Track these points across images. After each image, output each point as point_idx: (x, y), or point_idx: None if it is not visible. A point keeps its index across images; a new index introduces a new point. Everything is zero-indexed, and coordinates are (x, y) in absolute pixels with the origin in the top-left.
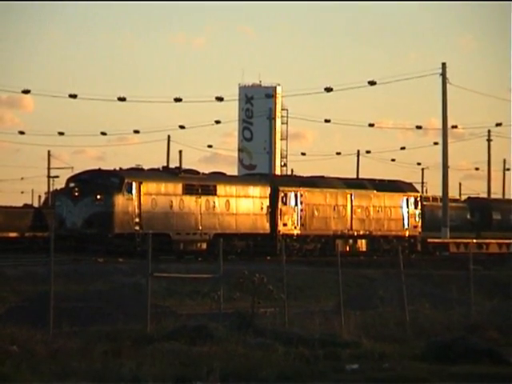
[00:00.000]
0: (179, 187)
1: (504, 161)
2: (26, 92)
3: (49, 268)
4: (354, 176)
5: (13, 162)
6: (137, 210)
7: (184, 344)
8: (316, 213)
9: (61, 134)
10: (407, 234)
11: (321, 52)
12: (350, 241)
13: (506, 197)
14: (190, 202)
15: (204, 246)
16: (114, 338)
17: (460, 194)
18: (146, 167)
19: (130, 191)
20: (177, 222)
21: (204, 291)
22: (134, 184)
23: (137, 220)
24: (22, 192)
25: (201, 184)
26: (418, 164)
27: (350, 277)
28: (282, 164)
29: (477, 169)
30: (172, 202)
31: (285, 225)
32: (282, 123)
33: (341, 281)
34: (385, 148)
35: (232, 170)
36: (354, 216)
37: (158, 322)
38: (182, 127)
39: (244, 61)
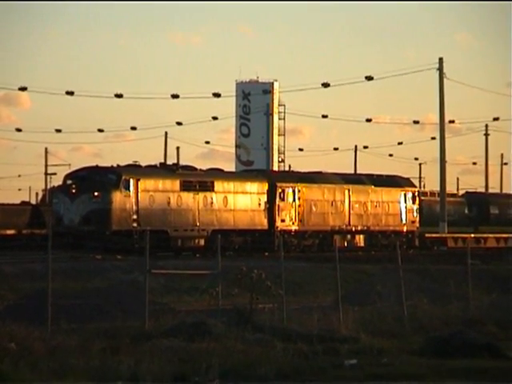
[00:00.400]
0: (177, 184)
1: (501, 155)
2: (23, 89)
3: (46, 265)
4: (352, 171)
5: (10, 160)
6: (134, 207)
7: (182, 341)
8: (314, 208)
9: (58, 131)
10: (405, 229)
11: (318, 48)
12: (348, 236)
13: (504, 191)
14: (188, 198)
15: (202, 242)
16: (113, 335)
17: (458, 189)
18: (143, 164)
19: (127, 188)
20: (174, 218)
21: (202, 287)
22: (131, 181)
23: (134, 217)
24: (20, 189)
25: (198, 180)
26: (416, 159)
27: (348, 272)
28: (280, 160)
29: (474, 163)
30: (170, 198)
31: (283, 221)
32: (280, 119)
33: (339, 276)
34: (382, 143)
35: (229, 166)
36: (351, 211)
37: (156, 319)
38: (179, 124)
39: (241, 57)
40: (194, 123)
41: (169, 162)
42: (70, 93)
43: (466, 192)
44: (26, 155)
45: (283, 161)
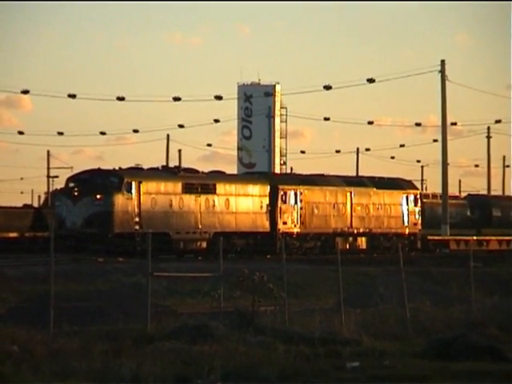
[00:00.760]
0: (179, 186)
1: (504, 157)
2: (25, 92)
3: (49, 268)
4: (354, 174)
5: (12, 163)
6: (136, 210)
7: (184, 343)
8: (316, 211)
9: (60, 133)
10: (407, 232)
11: (319, 50)
12: (350, 239)
13: (506, 193)
14: (190, 200)
15: (204, 244)
16: (115, 338)
17: (460, 191)
18: (145, 166)
19: (129, 191)
20: (176, 221)
21: (204, 290)
22: (133, 183)
23: (136, 219)
24: (22, 192)
25: (200, 183)
26: (418, 161)
27: (350, 275)
28: (282, 162)
29: (476, 166)
30: (172, 201)
31: (284, 223)
32: (281, 121)
33: (341, 279)
34: (384, 145)
35: (231, 169)
36: (353, 214)
37: (158, 322)
38: (181, 126)
39: (243, 59)
40: (196, 126)
41: (171, 165)
42: (72, 96)
43: (468, 194)
44: (28, 158)
45: (285, 163)
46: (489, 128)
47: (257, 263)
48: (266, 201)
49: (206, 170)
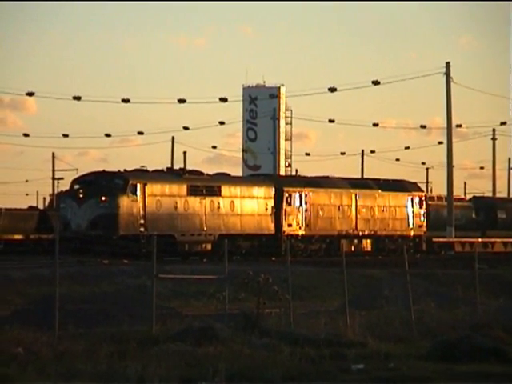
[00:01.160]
0: (184, 188)
1: (509, 160)
2: (30, 94)
3: (54, 270)
4: (359, 176)
5: (17, 165)
6: (141, 212)
7: (189, 345)
8: (321, 213)
9: (65, 135)
10: (412, 234)
11: (324, 52)
12: (355, 241)
13: (511, 196)
14: (195, 202)
15: (209, 246)
16: (120, 340)
17: (465, 193)
18: (150, 168)
19: (134, 193)
20: (181, 223)
21: (209, 292)
22: (138, 185)
23: (141, 221)
24: (27, 194)
25: (205, 185)
26: (423, 163)
27: (355, 277)
28: (287, 164)
29: (481, 168)
30: (177, 203)
31: (289, 225)
32: (286, 123)
33: (346, 281)
34: (389, 148)
35: (236, 171)
36: (358, 216)
37: (163, 324)
38: (186, 128)
39: (247, 61)
40: (201, 128)
41: (176, 167)
42: (77, 98)
43: (474, 196)
44: (33, 160)
45: (290, 165)
46: (494, 130)
47: (262, 265)
48: (271, 203)
49: (210, 172)
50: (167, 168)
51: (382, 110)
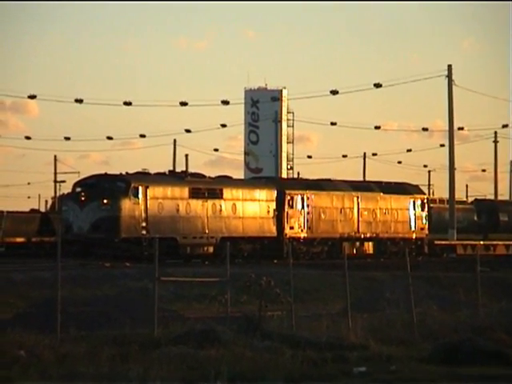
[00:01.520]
0: (185, 191)
1: (511, 162)
2: (32, 97)
3: (56, 273)
4: (361, 178)
5: (19, 167)
6: (143, 214)
7: (191, 348)
8: (323, 216)
9: (67, 138)
10: (414, 236)
11: (326, 55)
12: (357, 243)
13: None
14: (197, 205)
15: (211, 249)
16: (122, 343)
17: (467, 196)
18: (152, 171)
19: (136, 195)
20: (183, 225)
21: (211, 295)
22: (140, 188)
23: (143, 224)
24: (29, 197)
25: (207, 188)
26: (425, 166)
27: (357, 279)
28: (289, 167)
29: (483, 170)
30: (178, 205)
31: (291, 228)
32: (288, 126)
33: (348, 283)
34: (391, 150)
35: (238, 174)
36: (360, 219)
37: (165, 326)
38: (187, 131)
39: (249, 64)
40: (203, 131)
41: (178, 170)
42: (79, 100)
43: (475, 199)
44: (35, 163)
45: (292, 168)
46: (496, 133)
47: (264, 268)
48: (273, 206)
49: (212, 175)
50: (169, 171)
51: (383, 113)
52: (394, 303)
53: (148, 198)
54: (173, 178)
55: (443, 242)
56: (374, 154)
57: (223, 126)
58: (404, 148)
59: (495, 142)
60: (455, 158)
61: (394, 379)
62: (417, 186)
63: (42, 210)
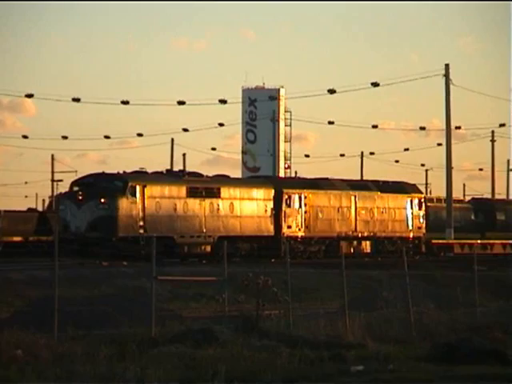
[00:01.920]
0: (183, 190)
1: (508, 161)
2: (30, 96)
3: (53, 272)
4: (358, 178)
5: (16, 167)
6: (141, 213)
7: (189, 347)
8: (320, 215)
9: (64, 137)
10: (411, 235)
11: (324, 54)
12: (355, 242)
13: (510, 197)
14: (194, 204)
15: (208, 248)
16: (119, 342)
17: (464, 195)
18: (149, 170)
19: (133, 194)
20: (181, 224)
21: (209, 294)
22: (137, 187)
23: (141, 223)
24: (26, 196)
25: (205, 187)
26: (422, 165)
27: (355, 278)
28: (286, 166)
29: (481, 169)
30: (176, 204)
31: (289, 227)
32: (286, 125)
33: (345, 282)
34: (388, 149)
35: (236, 173)
36: (358, 217)
37: (162, 326)
38: (185, 130)
39: (247, 63)
40: (200, 130)
41: (175, 169)
42: (76, 99)
43: (473, 198)
44: (33, 162)
45: (289, 167)
46: (493, 132)
47: (261, 267)
48: (271, 205)
49: (210, 174)
50: (166, 170)
51: (381, 112)
52: (391, 302)
53: (145, 197)
54: (170, 177)
55: (440, 241)
56: (372, 153)
57: (221, 124)
58: (401, 147)
59: (492, 141)
60: (452, 157)
61: (391, 378)
62: (414, 185)
63: (40, 209)
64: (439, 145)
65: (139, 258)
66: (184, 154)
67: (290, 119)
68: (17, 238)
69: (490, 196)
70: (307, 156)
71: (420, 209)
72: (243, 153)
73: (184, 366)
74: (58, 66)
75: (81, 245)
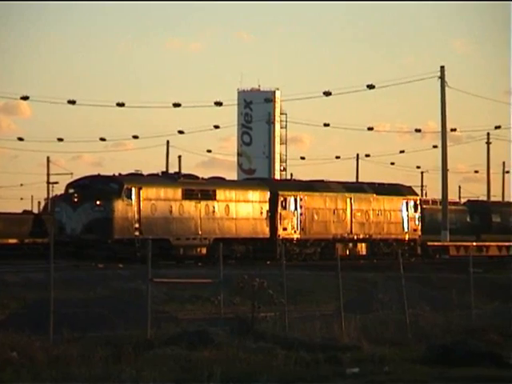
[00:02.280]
0: (178, 192)
1: (503, 163)
2: (25, 98)
3: (48, 274)
4: (354, 180)
5: (12, 169)
6: (136, 216)
7: (184, 349)
8: (316, 217)
9: (60, 140)
10: (407, 238)
11: (319, 56)
12: (350, 244)
13: (506, 199)
14: (190, 206)
15: (204, 250)
16: (115, 344)
17: (459, 197)
18: (145, 173)
19: (129, 197)
20: (176, 227)
21: (204, 296)
22: (133, 189)
23: (136, 225)
24: (22, 198)
25: (200, 189)
26: (418, 167)
27: (350, 280)
28: (282, 168)
29: (476, 172)
30: (171, 207)
31: (284, 229)
32: (281, 127)
33: (341, 285)
34: (384, 151)
35: (231, 175)
36: (353, 220)
37: (158, 328)
38: (181, 132)
39: (243, 65)
40: (196, 132)
41: (171, 171)
42: (72, 102)
43: (468, 200)
44: (28, 164)
45: (285, 169)
46: (488, 134)
47: (257, 269)
48: (266, 207)
49: (205, 176)
50: (162, 172)
51: (376, 114)
52: (386, 304)
53: (141, 199)
54: (166, 179)
55: (436, 243)
56: (367, 155)
57: (216, 127)
58: (397, 149)
59: (488, 143)
60: (448, 159)
61: (387, 380)
62: (410, 187)
63: (35, 211)
64: (435, 147)
65: (135, 260)
66: (179, 156)
67: (286, 121)
68: (12, 240)
69: (485, 198)
70: (303, 158)
71: (415, 211)
72: (238, 155)
73: (179, 367)
74: (53, 68)
75: (76, 247)
